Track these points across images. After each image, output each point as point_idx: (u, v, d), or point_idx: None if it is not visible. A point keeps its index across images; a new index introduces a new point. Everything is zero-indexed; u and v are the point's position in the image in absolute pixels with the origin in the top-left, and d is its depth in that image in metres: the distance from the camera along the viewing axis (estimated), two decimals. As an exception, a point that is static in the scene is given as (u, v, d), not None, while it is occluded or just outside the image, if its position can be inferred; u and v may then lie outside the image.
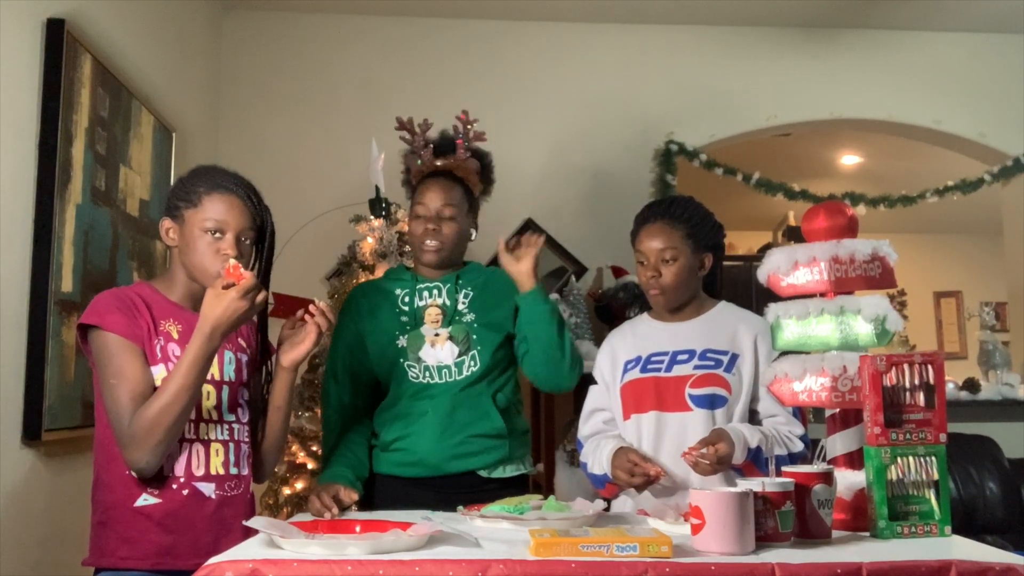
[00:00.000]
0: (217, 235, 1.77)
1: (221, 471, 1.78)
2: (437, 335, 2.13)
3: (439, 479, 2.06)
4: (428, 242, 2.16)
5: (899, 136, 4.71)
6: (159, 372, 1.72)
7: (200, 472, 1.75)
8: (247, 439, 1.86)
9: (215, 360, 1.79)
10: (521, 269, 2.10)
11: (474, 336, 2.13)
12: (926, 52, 4.41)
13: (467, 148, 2.26)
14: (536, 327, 2.12)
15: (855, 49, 4.39)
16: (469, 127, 2.28)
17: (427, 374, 2.11)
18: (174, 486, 1.73)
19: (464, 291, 2.19)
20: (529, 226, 4.15)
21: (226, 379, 1.83)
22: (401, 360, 2.13)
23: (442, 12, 4.22)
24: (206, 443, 1.77)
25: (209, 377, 1.77)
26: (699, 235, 2.09)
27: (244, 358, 1.88)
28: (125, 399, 1.66)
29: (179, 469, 1.73)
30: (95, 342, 1.72)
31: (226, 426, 1.81)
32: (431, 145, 2.27)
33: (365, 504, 2.06)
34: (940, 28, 4.38)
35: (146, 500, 1.70)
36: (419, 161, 2.25)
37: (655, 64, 4.35)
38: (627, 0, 4.13)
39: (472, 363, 2.12)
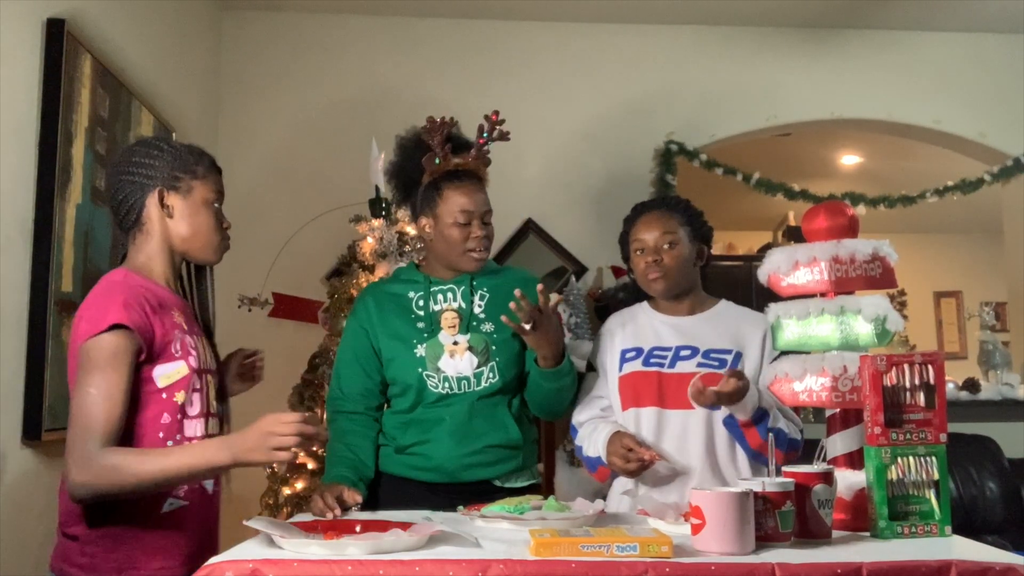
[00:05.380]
0: (217, 205, 1.77)
1: None
2: (456, 344, 2.10)
3: (453, 486, 2.05)
4: (478, 252, 2.11)
5: (899, 136, 4.72)
6: (178, 367, 1.64)
7: None
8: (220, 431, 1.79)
9: (204, 348, 1.74)
10: (537, 351, 2.03)
11: (493, 347, 2.10)
12: (926, 52, 4.42)
13: (486, 143, 2.19)
14: (541, 391, 2.13)
15: (855, 49, 4.39)
16: (496, 127, 2.18)
17: (446, 384, 2.08)
18: (196, 486, 1.67)
19: (479, 292, 2.15)
20: (529, 226, 4.15)
21: (213, 367, 1.77)
22: (420, 370, 2.09)
23: (442, 12, 4.22)
24: (211, 438, 1.69)
25: (205, 367, 1.72)
26: (695, 225, 2.13)
27: (208, 344, 1.81)
28: (98, 422, 1.53)
29: None
30: (98, 338, 1.55)
31: (216, 419, 1.76)
32: (449, 144, 2.16)
33: (370, 503, 2.06)
34: (940, 28, 4.38)
35: (172, 504, 1.63)
36: (437, 160, 2.15)
37: (655, 64, 4.35)
38: (627, 0, 4.13)
39: (491, 375, 2.10)
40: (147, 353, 1.61)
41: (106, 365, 1.55)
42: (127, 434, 1.59)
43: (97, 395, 1.54)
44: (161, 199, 1.72)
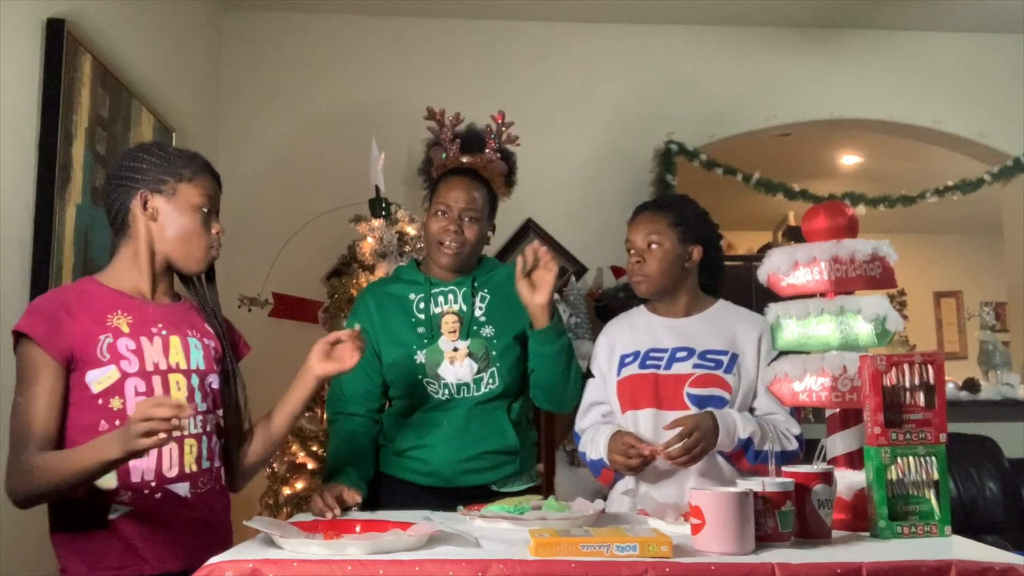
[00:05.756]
0: (205, 210, 1.74)
1: (195, 468, 1.69)
2: (456, 350, 2.08)
3: (450, 490, 2.05)
4: (448, 243, 2.09)
5: (899, 136, 4.72)
6: (108, 373, 1.62)
7: (173, 472, 1.66)
8: (214, 431, 1.77)
9: (180, 348, 1.72)
10: (536, 302, 1.99)
11: (494, 353, 2.09)
12: (926, 52, 4.42)
13: (497, 149, 2.16)
14: (543, 364, 2.09)
15: (855, 49, 4.39)
16: (504, 128, 2.16)
17: (446, 391, 2.08)
18: (145, 491, 1.63)
19: (480, 294, 2.14)
20: (529, 226, 4.16)
21: (194, 367, 1.73)
22: (420, 376, 2.08)
23: (442, 12, 4.22)
24: (180, 440, 1.66)
25: (174, 365, 1.69)
26: (686, 225, 2.11)
27: (211, 344, 1.79)
28: (24, 430, 1.57)
29: (148, 475, 1.64)
30: (19, 348, 1.63)
31: (199, 418, 1.72)
32: (459, 140, 2.14)
33: (369, 504, 2.05)
34: (940, 28, 4.38)
35: (117, 511, 1.61)
36: (444, 155, 2.13)
37: (655, 64, 4.35)
38: (627, 0, 4.13)
39: (491, 381, 2.09)
40: (69, 359, 1.61)
41: (26, 375, 1.60)
42: (69, 441, 1.61)
43: (22, 404, 1.59)
44: (144, 202, 1.71)
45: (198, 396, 1.72)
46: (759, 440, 1.94)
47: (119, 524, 1.62)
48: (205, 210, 1.75)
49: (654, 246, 2.08)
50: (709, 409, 1.96)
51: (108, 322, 1.65)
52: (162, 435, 1.41)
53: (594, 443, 2.07)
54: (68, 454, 1.56)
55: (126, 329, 1.66)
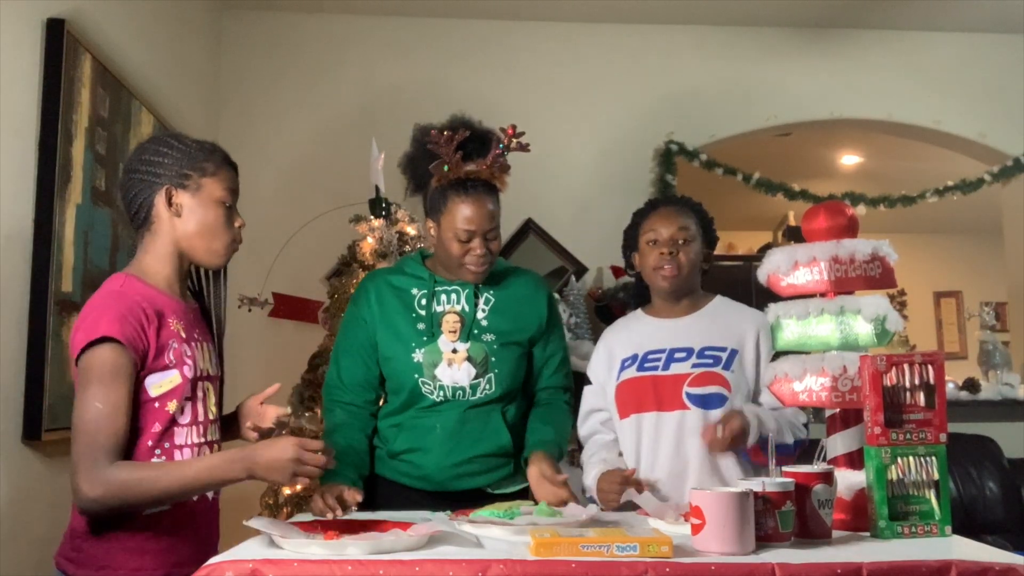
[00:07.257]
0: (228, 204, 1.72)
1: None
2: (455, 352, 2.06)
3: (445, 493, 2.05)
4: (475, 267, 2.05)
5: (899, 136, 4.72)
6: (170, 377, 1.62)
7: None
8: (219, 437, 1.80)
9: (203, 353, 1.71)
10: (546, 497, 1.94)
11: (493, 359, 2.07)
12: (926, 52, 4.42)
13: (502, 155, 2.08)
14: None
15: (855, 49, 4.39)
16: (515, 140, 2.07)
17: (441, 393, 2.06)
18: None
19: (484, 296, 2.12)
20: (529, 226, 4.15)
21: (214, 373, 1.76)
22: (416, 376, 2.06)
23: (441, 12, 4.22)
24: (211, 445, 1.71)
25: (204, 374, 1.71)
26: (706, 228, 2.14)
27: (213, 348, 1.80)
28: (105, 436, 1.52)
29: None
30: (93, 351, 1.55)
31: (217, 425, 1.76)
32: (460, 151, 2.04)
33: (366, 504, 2.05)
34: (940, 28, 4.38)
35: (153, 508, 1.61)
36: (445, 167, 2.04)
37: (655, 64, 4.35)
38: (628, 0, 4.13)
39: (487, 386, 2.07)
40: (140, 365, 1.59)
41: (110, 379, 1.54)
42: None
43: (103, 409, 1.53)
44: (169, 198, 1.69)
45: (215, 404, 1.75)
46: (775, 434, 1.96)
47: (149, 522, 1.61)
48: (228, 204, 1.73)
49: (685, 242, 2.07)
50: (739, 410, 1.97)
51: (170, 326, 1.65)
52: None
53: (588, 473, 2.09)
54: (174, 471, 1.54)
55: (183, 335, 1.67)
